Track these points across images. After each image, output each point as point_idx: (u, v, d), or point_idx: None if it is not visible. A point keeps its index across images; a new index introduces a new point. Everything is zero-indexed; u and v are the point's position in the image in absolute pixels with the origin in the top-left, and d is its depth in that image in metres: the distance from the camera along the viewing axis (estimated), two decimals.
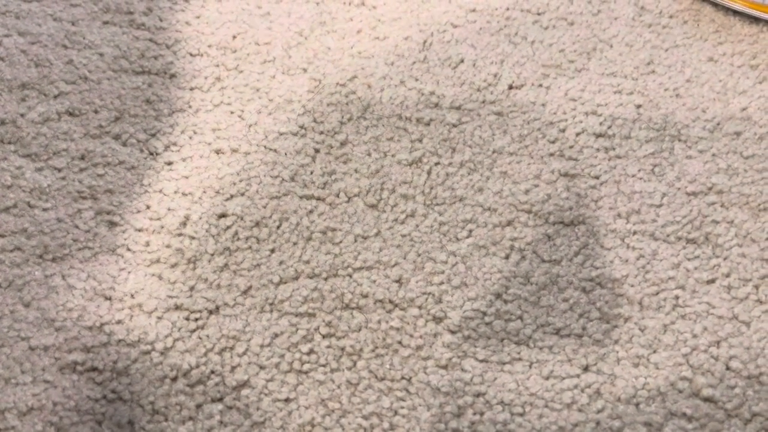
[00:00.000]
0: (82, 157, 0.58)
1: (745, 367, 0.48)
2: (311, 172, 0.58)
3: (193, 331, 0.50)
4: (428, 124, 0.60)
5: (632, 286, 0.52)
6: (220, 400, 0.48)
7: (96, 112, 0.60)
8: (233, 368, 0.49)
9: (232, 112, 0.61)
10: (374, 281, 0.52)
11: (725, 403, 0.47)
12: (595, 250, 0.54)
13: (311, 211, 0.56)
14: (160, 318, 0.50)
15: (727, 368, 0.48)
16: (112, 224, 0.55)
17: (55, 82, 0.61)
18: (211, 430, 0.47)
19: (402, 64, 0.64)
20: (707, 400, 0.47)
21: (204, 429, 0.47)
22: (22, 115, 0.60)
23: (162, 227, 0.55)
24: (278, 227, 0.55)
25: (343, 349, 0.50)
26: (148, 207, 0.56)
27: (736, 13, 0.67)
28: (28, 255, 0.53)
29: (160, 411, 0.47)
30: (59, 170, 0.57)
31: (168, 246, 0.54)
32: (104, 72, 0.62)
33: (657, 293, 0.51)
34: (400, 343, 0.50)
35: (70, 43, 0.64)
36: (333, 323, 0.51)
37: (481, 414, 0.47)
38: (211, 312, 0.51)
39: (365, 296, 0.52)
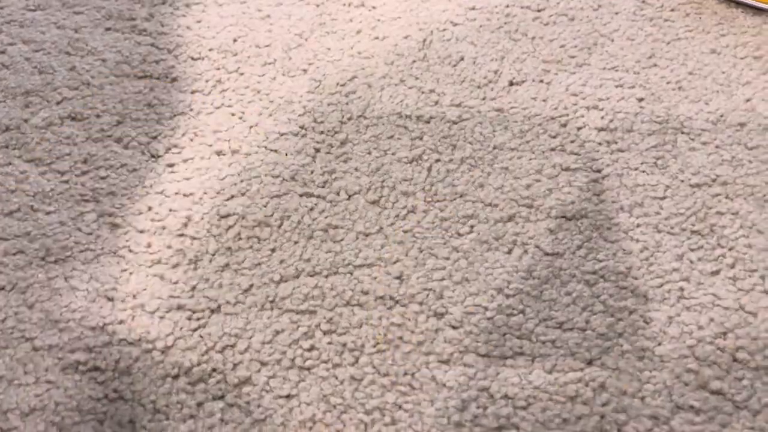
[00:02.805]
0: (85, 161, 0.58)
1: (752, 358, 0.47)
2: (312, 172, 0.58)
3: (195, 329, 0.50)
4: (428, 122, 0.60)
5: (636, 278, 0.51)
6: (222, 397, 0.48)
7: (98, 116, 0.61)
8: (235, 366, 0.49)
9: (232, 114, 0.61)
10: (375, 278, 0.52)
11: (734, 395, 0.46)
12: (598, 243, 0.53)
13: (312, 209, 0.55)
14: (162, 318, 0.51)
15: (734, 360, 0.48)
16: (114, 226, 0.55)
17: (59, 88, 0.62)
18: (212, 428, 0.47)
19: (402, 63, 0.64)
20: (715, 392, 0.47)
21: (205, 427, 0.47)
22: (26, 121, 0.60)
23: (164, 228, 0.55)
24: (279, 226, 0.55)
25: (344, 345, 0.49)
26: (149, 208, 0.56)
27: (738, 4, 0.66)
28: (31, 258, 0.53)
29: (161, 410, 0.47)
30: (62, 174, 0.57)
31: (169, 247, 0.54)
32: (106, 77, 0.63)
33: (661, 285, 0.51)
34: (401, 338, 0.50)
35: (73, 50, 0.65)
36: (334, 320, 0.50)
37: (485, 408, 0.47)
38: (212, 311, 0.51)
39: (366, 293, 0.51)
